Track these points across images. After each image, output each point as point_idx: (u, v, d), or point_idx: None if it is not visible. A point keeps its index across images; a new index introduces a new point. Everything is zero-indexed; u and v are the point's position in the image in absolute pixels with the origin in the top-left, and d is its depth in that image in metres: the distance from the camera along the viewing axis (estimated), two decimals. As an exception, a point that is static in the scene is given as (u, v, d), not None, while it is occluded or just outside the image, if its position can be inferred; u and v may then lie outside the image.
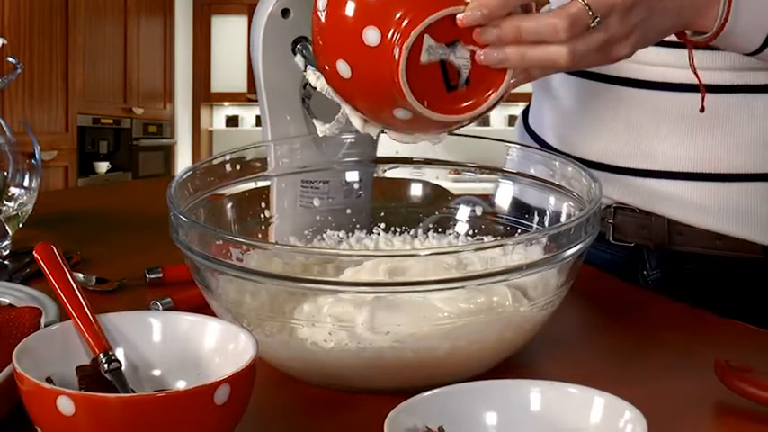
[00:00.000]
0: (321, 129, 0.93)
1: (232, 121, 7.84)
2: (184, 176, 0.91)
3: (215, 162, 0.96)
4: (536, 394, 0.66)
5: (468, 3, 0.77)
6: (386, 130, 0.86)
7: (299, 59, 0.91)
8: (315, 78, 0.87)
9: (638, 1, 0.83)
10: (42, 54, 5.18)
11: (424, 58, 0.77)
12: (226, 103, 7.80)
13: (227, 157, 0.97)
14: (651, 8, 0.84)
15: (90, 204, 1.67)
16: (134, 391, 0.70)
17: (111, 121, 6.21)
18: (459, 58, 0.78)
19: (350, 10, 0.78)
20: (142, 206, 1.51)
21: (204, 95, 7.64)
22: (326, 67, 0.81)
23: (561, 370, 0.86)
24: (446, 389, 0.66)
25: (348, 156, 1.02)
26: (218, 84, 7.59)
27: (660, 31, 0.88)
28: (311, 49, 0.89)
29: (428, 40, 0.76)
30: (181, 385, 0.72)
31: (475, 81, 0.79)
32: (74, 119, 5.57)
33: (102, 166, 6.15)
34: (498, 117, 7.64)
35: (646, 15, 0.84)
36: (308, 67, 0.89)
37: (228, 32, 7.51)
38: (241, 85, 7.52)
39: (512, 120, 7.52)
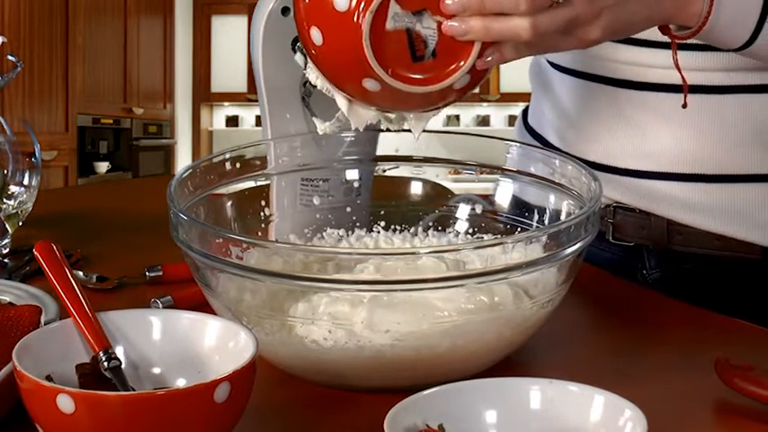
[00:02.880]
0: (321, 127, 0.92)
1: (232, 121, 7.84)
2: (184, 175, 0.91)
3: (215, 160, 0.96)
4: (536, 392, 0.66)
5: None
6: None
7: (298, 57, 0.90)
8: (315, 76, 0.86)
9: None
10: (42, 54, 5.20)
11: (389, 25, 0.77)
12: (226, 103, 7.80)
13: (227, 156, 0.96)
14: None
15: (90, 203, 1.66)
16: (134, 390, 0.70)
17: (111, 121, 6.22)
18: (426, 28, 0.78)
19: None
20: (142, 204, 1.50)
21: (204, 95, 7.65)
22: (307, 41, 0.81)
23: (561, 368, 0.84)
24: (446, 387, 0.66)
25: (348, 154, 1.02)
26: (218, 84, 7.60)
27: (636, 20, 0.87)
28: None
29: (394, 7, 0.76)
30: (181, 383, 0.72)
31: (442, 53, 0.79)
32: (74, 119, 5.58)
33: (102, 166, 6.16)
34: (498, 117, 7.65)
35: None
36: (309, 64, 0.88)
37: (228, 32, 7.50)
38: (241, 85, 7.52)
39: (512, 120, 7.52)
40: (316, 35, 0.80)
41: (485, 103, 7.47)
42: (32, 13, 5.09)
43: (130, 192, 1.95)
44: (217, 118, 7.93)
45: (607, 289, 1.12)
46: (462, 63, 0.79)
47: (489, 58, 0.80)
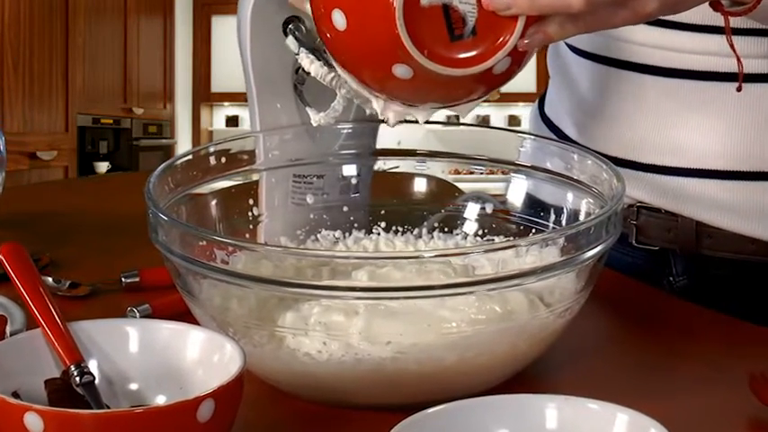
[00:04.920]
0: (315, 118, 0.91)
1: (232, 121, 8.16)
2: (164, 170, 0.89)
3: (198, 155, 0.95)
4: (552, 410, 0.65)
5: None
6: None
7: (290, 41, 0.89)
8: (308, 62, 0.85)
9: None
10: (42, 54, 5.38)
11: (424, 0, 0.74)
12: (226, 103, 8.10)
13: (212, 149, 0.95)
14: None
15: (61, 201, 1.66)
16: (109, 407, 0.69)
17: (111, 121, 6.47)
18: (464, 3, 0.75)
19: None
20: (118, 203, 1.50)
21: (204, 95, 7.93)
22: (327, 27, 0.78)
23: (580, 383, 0.84)
24: (453, 405, 0.64)
25: (345, 147, 1.00)
26: (218, 84, 7.88)
27: None
28: (304, 29, 0.88)
29: None
30: (160, 401, 0.71)
31: (482, 31, 0.76)
32: (74, 119, 5.78)
33: (102, 167, 6.39)
34: (498, 117, 7.97)
35: None
36: (302, 49, 0.87)
37: (228, 32, 7.68)
38: (241, 85, 7.60)
39: (512, 120, 7.85)
40: (338, 19, 0.76)
41: (484, 103, 7.66)
42: (32, 13, 5.28)
43: (105, 189, 1.97)
44: (217, 118, 8.24)
45: (630, 297, 1.11)
46: (507, 39, 0.76)
47: (530, 39, 0.77)
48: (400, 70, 0.77)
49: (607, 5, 0.78)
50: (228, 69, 7.78)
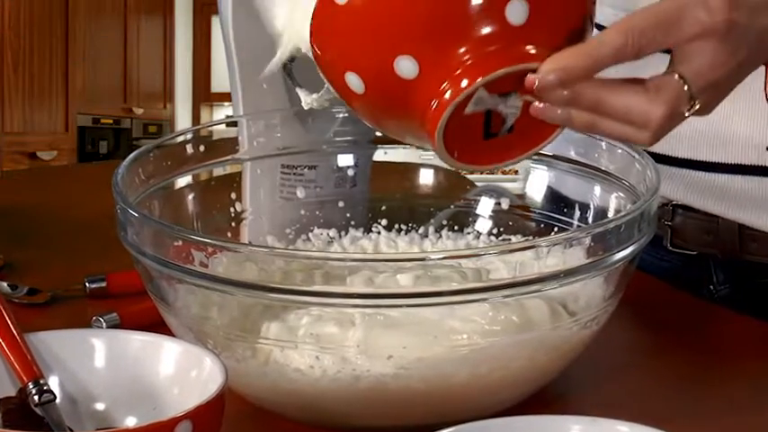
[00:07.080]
0: (307, 100, 0.90)
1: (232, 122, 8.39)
2: (134, 160, 0.88)
3: (173, 141, 0.94)
4: None
5: (539, 56, 0.72)
6: None
7: None
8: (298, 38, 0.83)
9: (731, 73, 0.80)
10: (42, 54, 5.65)
11: (469, 109, 0.73)
12: (226, 103, 8.48)
13: (189, 136, 0.94)
14: (739, 74, 0.82)
15: (17, 195, 1.65)
16: (72, 430, 0.68)
17: (111, 121, 6.77)
18: (510, 106, 0.75)
19: (381, 20, 0.72)
20: (83, 198, 1.49)
21: (204, 95, 8.24)
22: (338, 85, 0.77)
23: (608, 403, 0.83)
24: (464, 427, 0.61)
25: (341, 134, 1.00)
26: (218, 84, 8.16)
27: (741, 82, 0.86)
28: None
29: (480, 92, 0.72)
30: (131, 422, 0.70)
31: (519, 130, 0.76)
32: (74, 119, 6.03)
33: None
34: None
35: (733, 82, 0.82)
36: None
37: None
38: (242, 86, 8.04)
39: None
40: (355, 83, 0.74)
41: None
42: (32, 13, 5.55)
43: (68, 181, 1.98)
44: (217, 118, 8.76)
45: (665, 305, 1.09)
46: (540, 142, 0.77)
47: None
48: (413, 140, 0.80)
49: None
50: (229, 69, 8.09)
